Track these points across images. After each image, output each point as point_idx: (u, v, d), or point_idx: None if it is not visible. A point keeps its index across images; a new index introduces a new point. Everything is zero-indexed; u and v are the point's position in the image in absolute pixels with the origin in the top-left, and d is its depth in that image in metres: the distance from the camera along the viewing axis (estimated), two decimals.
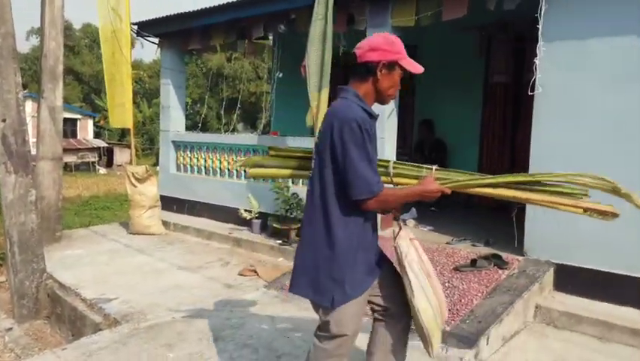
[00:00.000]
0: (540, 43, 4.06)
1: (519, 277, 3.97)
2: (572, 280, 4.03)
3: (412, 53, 7.86)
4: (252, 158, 2.72)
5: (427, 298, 2.02)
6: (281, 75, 6.67)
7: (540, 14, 4.07)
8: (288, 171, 2.55)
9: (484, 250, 4.54)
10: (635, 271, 3.78)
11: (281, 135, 6.71)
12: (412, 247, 2.08)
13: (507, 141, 6.60)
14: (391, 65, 1.97)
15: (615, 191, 1.89)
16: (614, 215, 1.92)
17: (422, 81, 7.20)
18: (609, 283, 3.86)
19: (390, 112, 5.30)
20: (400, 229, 2.11)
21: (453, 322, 3.42)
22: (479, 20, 5.95)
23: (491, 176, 2.04)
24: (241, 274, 4.99)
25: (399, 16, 5.02)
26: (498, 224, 5.24)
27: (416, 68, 2.01)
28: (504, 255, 4.33)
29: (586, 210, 1.93)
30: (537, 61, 4.06)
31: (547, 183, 1.97)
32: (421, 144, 7.10)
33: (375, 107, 2.06)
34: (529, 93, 4.16)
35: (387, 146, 5.29)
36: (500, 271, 4.08)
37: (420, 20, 4.89)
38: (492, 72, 6.67)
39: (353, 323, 2.02)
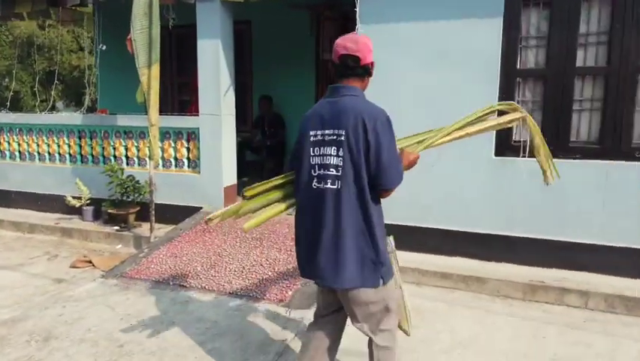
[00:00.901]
0: (358, 25, 4.43)
1: None
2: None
3: (246, 28, 7.73)
4: (230, 209, 2.35)
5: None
6: (104, 48, 6.10)
7: None
8: (282, 205, 2.31)
9: None
10: (438, 223, 4.46)
11: (111, 114, 6.22)
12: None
13: None
14: (373, 65, 2.19)
15: (512, 107, 2.48)
16: (524, 119, 2.45)
17: (258, 57, 7.29)
18: (421, 236, 4.49)
19: (227, 89, 5.29)
20: None
21: (295, 286, 3.69)
22: None
23: (446, 127, 2.40)
24: (74, 266, 4.61)
25: None
26: None
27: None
28: None
29: (507, 123, 2.46)
30: None
31: (480, 116, 2.45)
32: (260, 119, 7.23)
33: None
34: None
35: (224, 123, 5.29)
36: None
37: None
38: (322, 49, 7.03)
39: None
